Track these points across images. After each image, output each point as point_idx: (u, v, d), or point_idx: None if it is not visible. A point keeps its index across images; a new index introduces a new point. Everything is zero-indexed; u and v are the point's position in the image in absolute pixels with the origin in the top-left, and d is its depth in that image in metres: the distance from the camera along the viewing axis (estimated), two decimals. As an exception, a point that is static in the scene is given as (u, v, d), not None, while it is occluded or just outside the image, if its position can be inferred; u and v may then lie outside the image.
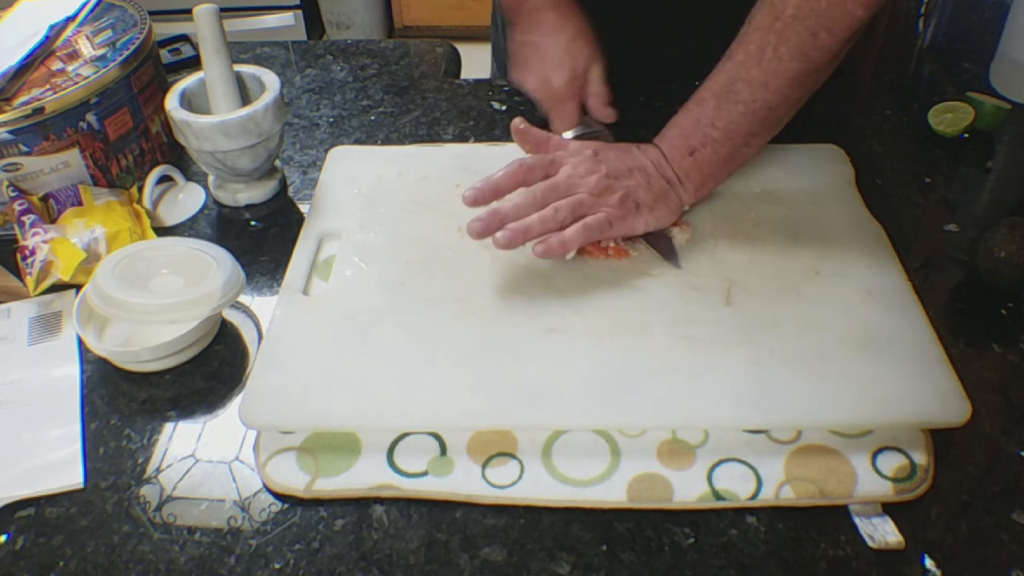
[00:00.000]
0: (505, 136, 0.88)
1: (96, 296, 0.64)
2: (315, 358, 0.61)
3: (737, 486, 0.54)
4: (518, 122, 0.72)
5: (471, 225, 0.64)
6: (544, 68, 0.79)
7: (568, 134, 0.79)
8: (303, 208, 0.81)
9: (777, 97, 0.65)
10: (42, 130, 0.73)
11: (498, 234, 0.63)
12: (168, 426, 0.61)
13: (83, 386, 0.64)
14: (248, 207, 0.81)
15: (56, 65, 0.78)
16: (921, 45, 1.06)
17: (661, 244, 0.70)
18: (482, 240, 0.64)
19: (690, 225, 0.71)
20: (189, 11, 0.73)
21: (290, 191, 0.83)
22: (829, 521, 0.53)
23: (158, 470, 0.58)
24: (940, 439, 0.57)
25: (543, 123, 0.80)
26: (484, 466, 0.56)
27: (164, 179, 0.81)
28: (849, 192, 0.76)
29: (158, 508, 0.55)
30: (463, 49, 1.14)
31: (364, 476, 0.56)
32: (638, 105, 0.90)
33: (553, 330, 0.63)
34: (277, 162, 0.84)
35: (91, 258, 0.70)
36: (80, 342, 0.67)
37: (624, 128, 0.79)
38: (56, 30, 0.83)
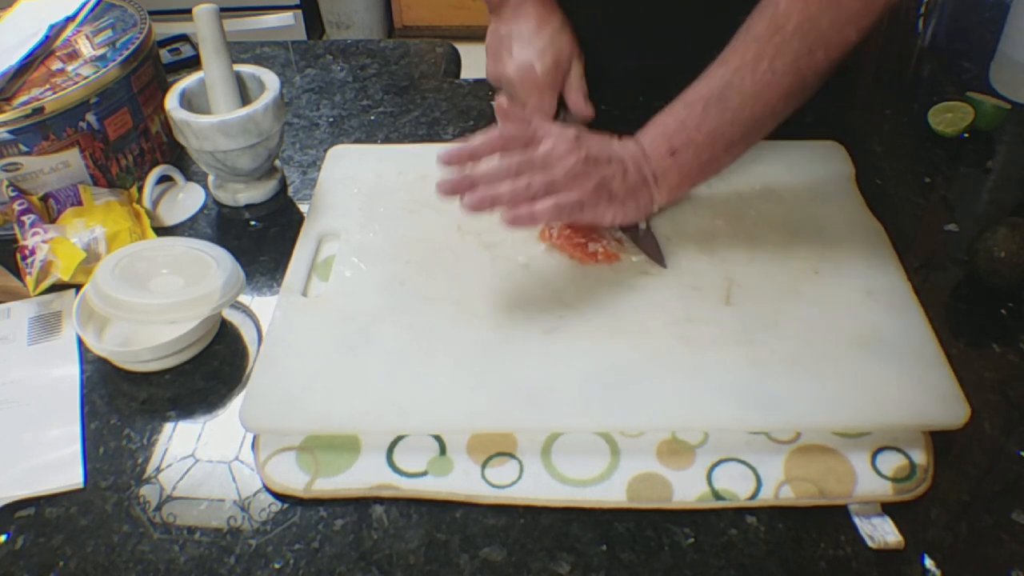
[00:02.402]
0: (505, 136, 0.88)
1: (96, 296, 0.63)
2: (315, 360, 0.61)
3: (737, 486, 0.54)
4: (502, 100, 0.71)
5: (440, 184, 0.63)
6: (527, 55, 0.79)
7: None
8: (303, 208, 0.81)
9: (765, 109, 0.65)
10: (42, 130, 0.73)
11: (466, 196, 0.62)
12: (168, 426, 0.61)
13: (83, 386, 0.64)
14: (248, 207, 0.81)
15: (56, 65, 0.78)
16: (921, 45, 1.06)
17: (647, 244, 0.70)
18: (480, 237, 0.64)
19: (609, 251, 0.70)
20: (189, 11, 0.73)
21: (290, 191, 0.83)
22: (829, 521, 0.53)
23: (158, 470, 0.58)
24: (940, 439, 0.57)
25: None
26: (484, 466, 0.56)
27: (164, 179, 0.81)
28: (850, 190, 0.76)
29: (158, 508, 0.55)
30: (463, 49, 1.14)
31: (364, 476, 0.56)
32: (637, 104, 0.90)
33: (553, 331, 0.63)
34: (277, 162, 0.84)
35: (91, 258, 0.70)
36: (80, 342, 0.67)
37: (620, 127, 0.79)
38: (56, 30, 0.83)
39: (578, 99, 0.81)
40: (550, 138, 0.67)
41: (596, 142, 0.69)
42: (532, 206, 0.63)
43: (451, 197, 0.63)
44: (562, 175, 0.65)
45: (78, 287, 0.70)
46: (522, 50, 0.80)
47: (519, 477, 0.55)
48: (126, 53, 0.78)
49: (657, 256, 0.69)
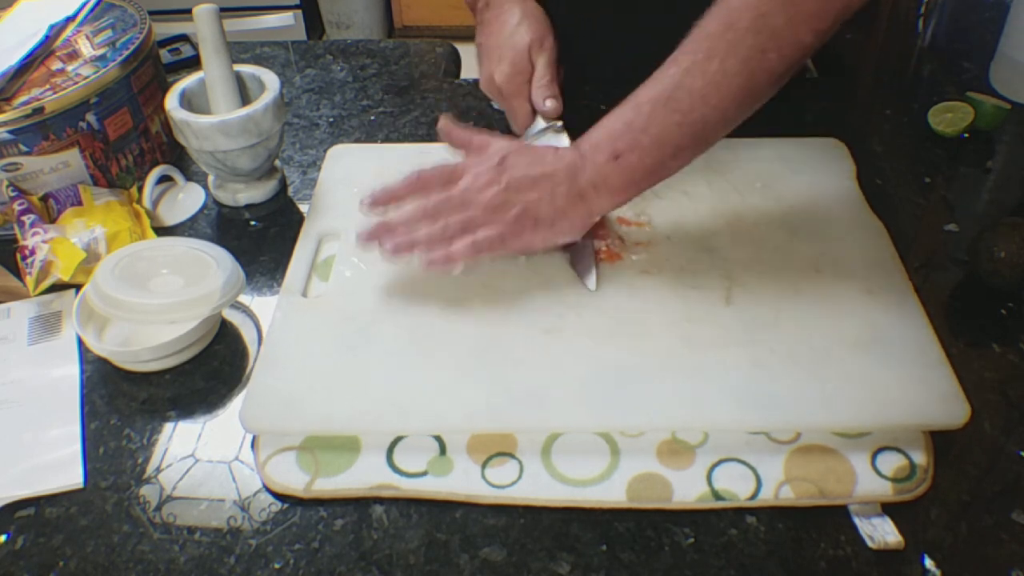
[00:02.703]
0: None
1: (96, 296, 0.63)
2: (315, 361, 0.61)
3: (737, 486, 0.54)
4: (444, 122, 0.71)
5: (360, 232, 0.64)
6: (488, 66, 0.78)
7: (527, 134, 0.78)
8: (303, 208, 0.81)
9: (716, 112, 0.62)
10: (42, 130, 0.73)
11: (386, 244, 0.64)
12: (168, 426, 0.61)
13: (83, 386, 0.64)
14: (248, 207, 0.81)
15: (56, 65, 0.78)
16: (921, 45, 1.06)
17: (580, 260, 0.68)
18: None
19: (612, 251, 0.70)
20: (189, 11, 0.73)
21: (290, 191, 0.83)
22: (829, 521, 0.53)
23: (158, 470, 0.58)
24: (940, 439, 0.57)
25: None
26: (484, 466, 0.56)
27: (164, 179, 0.81)
28: (850, 188, 0.76)
29: (158, 508, 0.55)
30: (463, 49, 1.14)
31: (364, 476, 0.56)
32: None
33: (552, 331, 0.63)
34: (277, 162, 0.84)
35: (91, 258, 0.70)
36: (80, 342, 0.67)
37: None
38: (56, 30, 0.83)
39: (540, 100, 0.77)
40: (469, 173, 0.66)
41: (523, 165, 0.66)
42: (448, 247, 0.63)
43: (369, 245, 0.64)
44: (480, 211, 0.64)
45: (78, 287, 0.70)
46: (486, 61, 0.79)
47: (519, 477, 0.55)
48: (126, 53, 0.78)
49: (586, 275, 0.67)
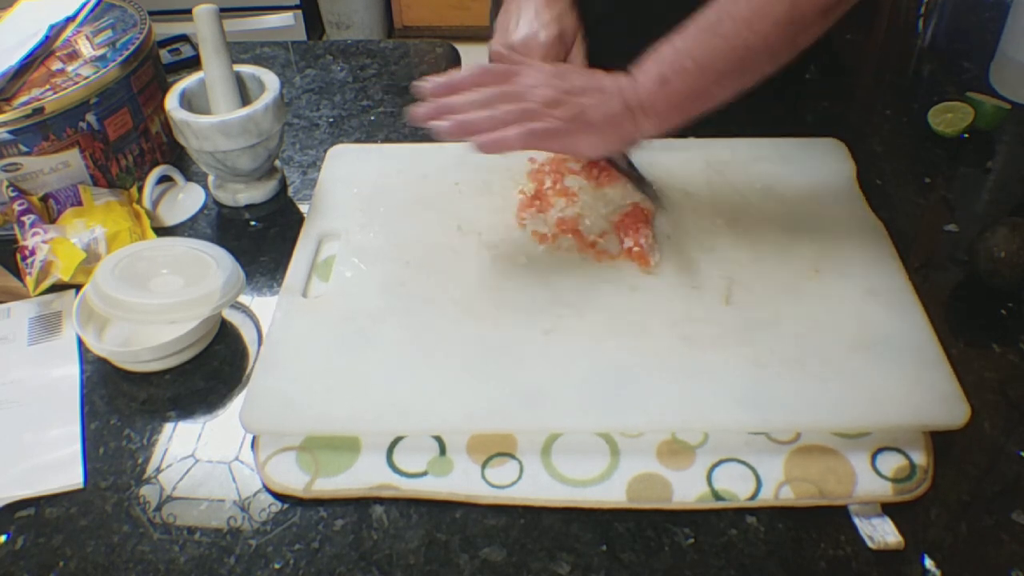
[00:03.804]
0: (505, 136, 0.88)
1: (96, 296, 0.63)
2: (315, 361, 0.61)
3: (737, 486, 0.54)
4: (497, 46, 0.72)
5: (415, 110, 0.64)
6: (532, 27, 0.78)
7: None
8: (303, 208, 0.81)
9: (759, 38, 0.64)
10: (42, 130, 0.73)
11: (441, 122, 0.63)
12: (168, 426, 0.61)
13: (83, 386, 0.64)
14: (248, 207, 0.81)
15: (56, 65, 0.78)
16: (921, 45, 1.06)
17: (634, 177, 0.70)
18: (480, 237, 0.64)
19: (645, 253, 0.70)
20: (189, 11, 0.73)
21: (290, 191, 0.83)
22: (829, 521, 0.53)
23: (158, 470, 0.58)
24: (940, 439, 0.57)
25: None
26: (484, 466, 0.56)
27: (164, 179, 0.81)
28: (850, 188, 0.76)
29: (158, 508, 0.55)
30: (463, 49, 1.14)
31: (364, 476, 0.56)
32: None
33: (553, 331, 0.63)
34: (277, 162, 0.84)
35: (91, 258, 0.70)
36: (80, 342, 0.67)
37: None
38: (56, 30, 0.83)
39: None
40: (528, 74, 0.67)
41: (576, 74, 0.69)
42: (504, 132, 0.63)
43: (424, 122, 0.63)
44: (537, 104, 0.65)
45: (78, 287, 0.70)
46: (528, 23, 0.79)
47: (519, 477, 0.55)
48: (126, 53, 0.78)
49: (650, 192, 0.68)
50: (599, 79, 0.68)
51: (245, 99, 0.78)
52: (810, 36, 0.65)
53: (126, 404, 0.62)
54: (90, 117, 0.75)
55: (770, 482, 0.55)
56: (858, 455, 0.56)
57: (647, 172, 0.70)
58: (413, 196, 0.77)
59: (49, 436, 0.60)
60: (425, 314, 0.65)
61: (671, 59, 0.66)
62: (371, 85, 0.98)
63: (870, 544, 0.52)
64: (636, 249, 0.68)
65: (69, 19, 0.85)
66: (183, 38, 1.06)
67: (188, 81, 0.79)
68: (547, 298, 0.66)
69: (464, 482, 0.55)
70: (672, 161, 0.77)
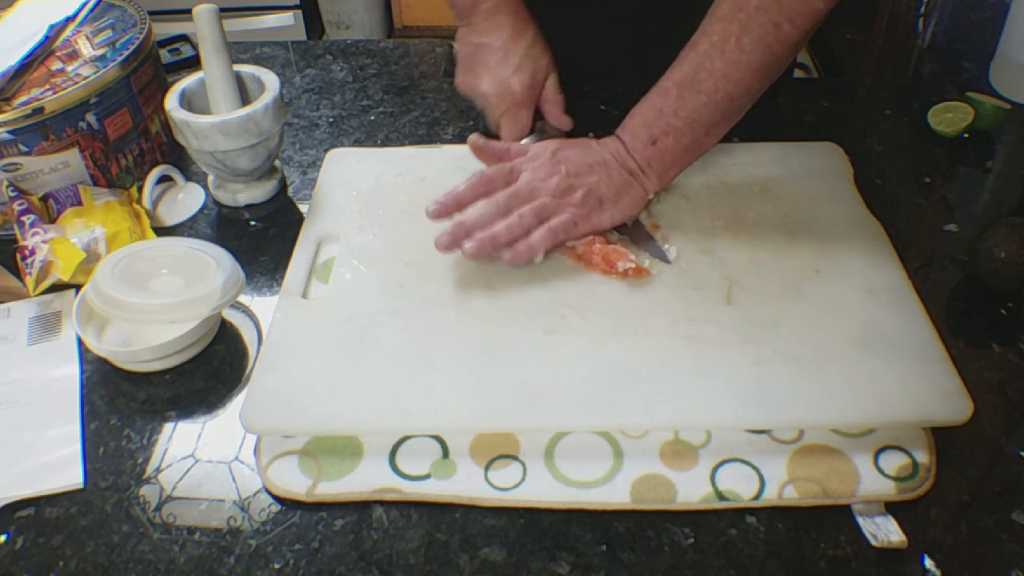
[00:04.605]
0: (505, 136, 0.88)
1: (96, 296, 0.63)
2: (315, 362, 0.61)
3: (740, 486, 0.54)
4: (475, 138, 0.73)
5: (439, 239, 0.65)
6: (503, 71, 0.78)
7: (525, 141, 0.79)
8: (303, 208, 0.81)
9: (739, 87, 0.65)
10: (42, 130, 0.73)
11: (466, 245, 0.64)
12: (168, 426, 0.61)
13: (83, 386, 0.64)
14: (248, 207, 0.81)
15: (56, 65, 0.78)
16: (921, 45, 1.06)
17: (646, 243, 0.70)
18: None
19: (660, 227, 0.71)
20: (189, 11, 0.73)
21: (290, 191, 0.83)
22: (829, 521, 0.53)
23: (158, 470, 0.58)
24: (940, 439, 0.57)
25: (490, 133, 0.80)
26: (487, 468, 0.56)
27: (164, 179, 0.81)
28: (848, 190, 0.76)
29: (158, 508, 0.55)
30: (463, 49, 1.14)
31: (366, 479, 0.56)
32: (598, 112, 0.90)
33: (554, 331, 0.63)
34: (277, 162, 0.84)
35: (91, 258, 0.70)
36: (80, 342, 0.67)
37: (584, 132, 0.79)
38: (56, 30, 0.83)
39: (556, 113, 0.81)
40: (528, 168, 0.69)
41: (574, 153, 0.70)
42: (528, 240, 0.66)
43: (451, 250, 0.65)
44: (549, 197, 0.67)
45: (78, 287, 0.70)
46: (498, 64, 0.79)
47: (522, 479, 0.55)
48: (126, 53, 0.78)
49: (659, 253, 0.69)
50: (596, 152, 0.70)
51: (245, 99, 0.78)
52: (785, 68, 0.67)
53: (126, 404, 0.62)
54: (90, 117, 0.75)
55: (773, 482, 0.55)
56: (861, 454, 0.56)
57: (645, 231, 0.71)
58: (412, 198, 0.77)
59: (49, 436, 0.60)
60: (425, 315, 0.65)
61: (657, 120, 0.68)
62: (371, 85, 0.98)
63: (874, 543, 0.52)
64: (631, 266, 0.67)
65: (69, 19, 0.85)
66: (183, 38, 1.06)
67: (188, 81, 0.79)
68: (548, 299, 0.66)
69: (467, 484, 0.55)
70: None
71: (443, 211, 0.67)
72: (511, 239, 0.66)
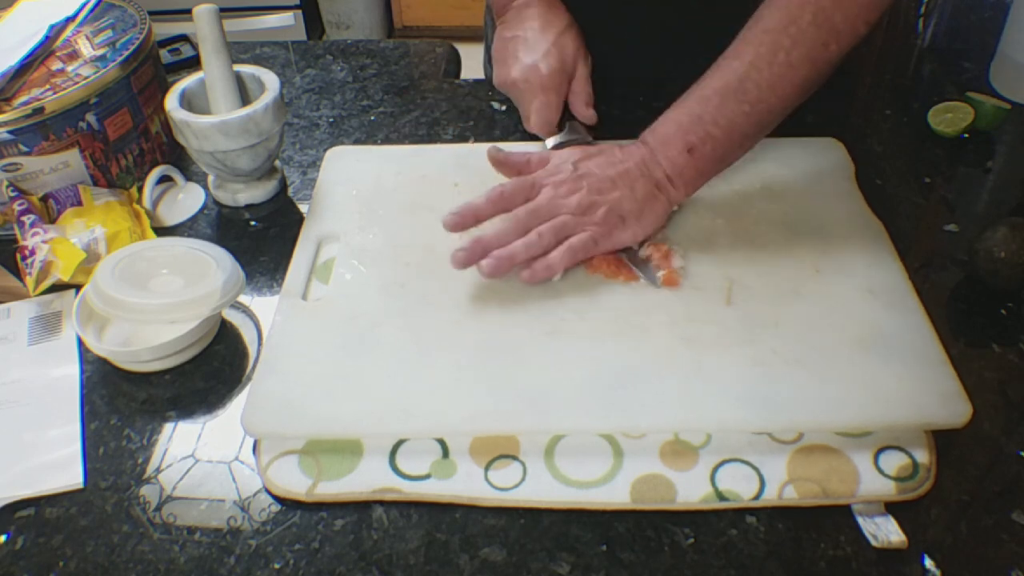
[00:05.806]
0: (505, 136, 0.88)
1: (96, 296, 0.63)
2: (315, 364, 0.61)
3: (740, 486, 0.54)
4: (493, 150, 0.72)
5: (455, 255, 0.64)
6: (531, 57, 0.78)
7: (550, 142, 0.79)
8: (303, 208, 0.81)
9: (782, 101, 0.65)
10: (42, 130, 0.73)
11: (483, 262, 0.63)
12: (168, 426, 0.61)
13: (83, 386, 0.64)
14: (248, 207, 0.81)
15: (56, 65, 0.78)
16: (921, 45, 1.06)
17: (642, 267, 0.68)
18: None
19: (675, 251, 0.69)
20: (189, 11, 0.73)
21: (290, 191, 0.83)
22: (829, 521, 0.53)
23: (158, 470, 0.58)
24: (940, 439, 0.57)
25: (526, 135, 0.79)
26: (487, 468, 0.56)
27: (164, 179, 0.81)
28: (849, 187, 0.76)
29: (158, 508, 0.55)
30: (463, 49, 1.14)
31: (366, 479, 0.56)
32: (638, 105, 0.90)
33: (554, 332, 0.63)
34: (277, 162, 0.84)
35: (91, 258, 0.70)
36: (80, 342, 0.67)
37: (622, 129, 0.79)
38: (56, 30, 0.83)
39: (582, 106, 0.80)
40: (548, 183, 0.67)
41: (597, 165, 0.68)
42: (547, 259, 0.65)
43: (467, 265, 0.64)
44: (570, 215, 0.66)
45: (78, 287, 0.70)
46: (527, 53, 0.79)
47: (522, 479, 0.55)
48: (126, 53, 0.78)
49: (647, 272, 0.67)
50: (620, 162, 0.68)
51: (245, 99, 0.78)
52: (817, 87, 0.67)
53: (126, 404, 0.62)
54: (90, 117, 0.75)
55: (774, 482, 0.55)
56: (861, 454, 0.56)
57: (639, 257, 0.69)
58: (412, 197, 0.77)
59: (49, 436, 0.60)
60: (426, 316, 0.65)
61: (694, 127, 0.66)
62: (371, 85, 0.98)
63: (874, 543, 0.52)
64: (666, 272, 0.66)
65: (69, 19, 0.85)
66: (183, 38, 1.06)
67: (188, 81, 0.79)
68: (548, 300, 0.66)
69: (467, 484, 0.55)
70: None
71: (460, 223, 0.66)
72: (529, 257, 0.65)
